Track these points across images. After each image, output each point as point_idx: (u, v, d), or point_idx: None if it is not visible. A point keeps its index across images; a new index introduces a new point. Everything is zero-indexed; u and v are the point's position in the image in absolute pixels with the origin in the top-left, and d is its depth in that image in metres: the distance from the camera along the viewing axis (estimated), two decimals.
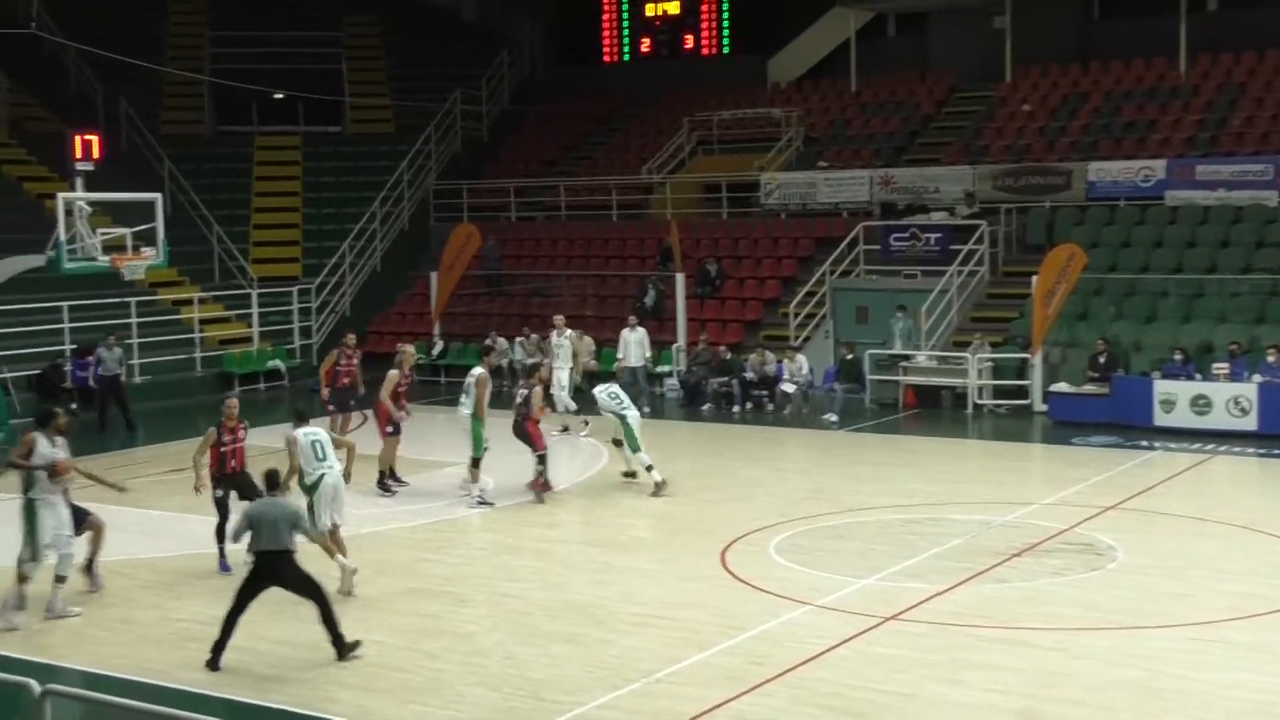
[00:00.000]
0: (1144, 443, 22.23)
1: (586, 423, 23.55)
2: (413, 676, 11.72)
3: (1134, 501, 17.99)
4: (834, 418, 25.03)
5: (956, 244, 28.69)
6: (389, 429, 19.14)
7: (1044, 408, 24.99)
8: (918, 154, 33.74)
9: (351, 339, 22.81)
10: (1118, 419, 23.41)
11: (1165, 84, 32.96)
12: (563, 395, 23.91)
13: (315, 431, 14.63)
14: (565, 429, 23.76)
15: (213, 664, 11.86)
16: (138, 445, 23.96)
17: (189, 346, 30.40)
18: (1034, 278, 25.82)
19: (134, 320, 28.97)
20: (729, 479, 20.21)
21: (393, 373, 19.24)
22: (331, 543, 14.05)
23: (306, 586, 12.03)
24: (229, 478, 15.07)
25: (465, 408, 18.46)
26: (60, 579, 13.41)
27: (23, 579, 13.29)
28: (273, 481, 12.49)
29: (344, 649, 12.02)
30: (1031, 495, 18.54)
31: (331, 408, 21.95)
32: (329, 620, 12.00)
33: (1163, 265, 27.54)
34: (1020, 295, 27.31)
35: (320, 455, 14.43)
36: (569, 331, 24.71)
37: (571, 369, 24.39)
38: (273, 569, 11.93)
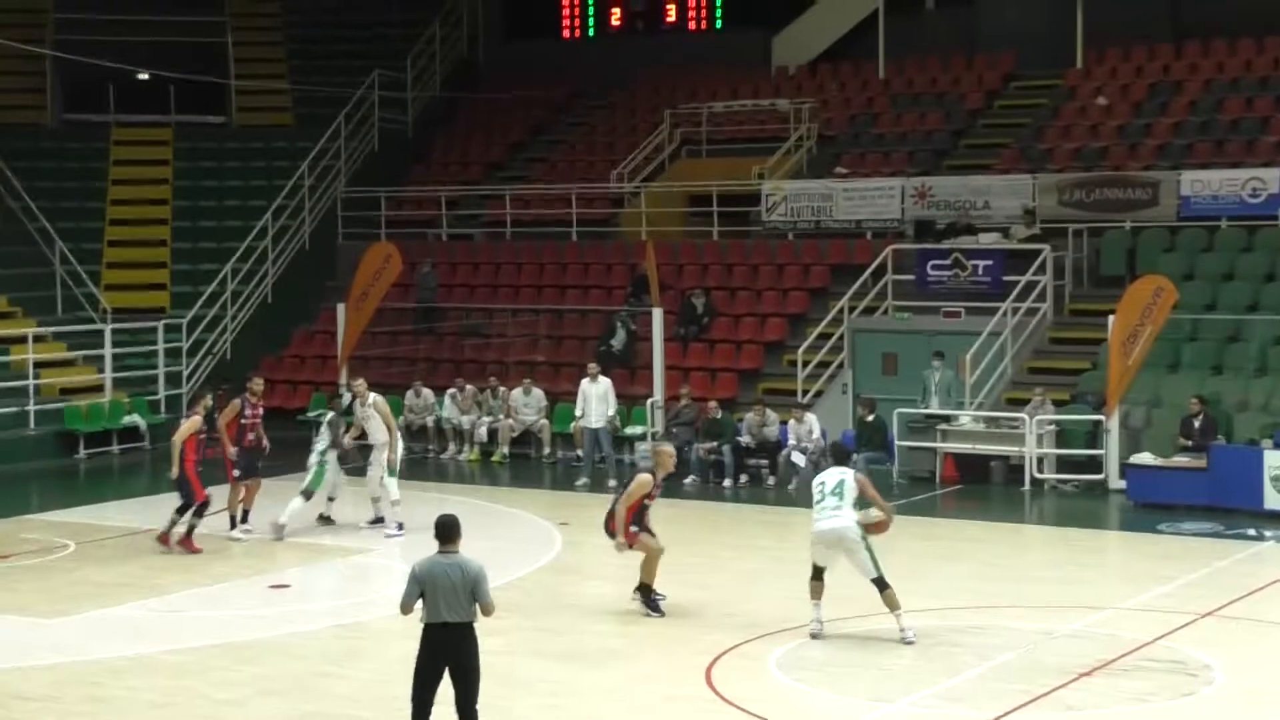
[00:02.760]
0: (1251, 531, 22.23)
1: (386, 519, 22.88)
2: None
3: (1237, 607, 17.93)
4: None
5: (1012, 274, 28.76)
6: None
7: (1122, 484, 24.99)
8: (963, 159, 33.89)
9: (259, 383, 22.96)
10: (1217, 500, 23.43)
11: (1279, 71, 33.20)
12: (379, 477, 22.78)
13: None
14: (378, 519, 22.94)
15: None
16: None
17: (20, 397, 30.29)
18: (1110, 318, 25.90)
19: None
20: (718, 573, 20.13)
21: (645, 477, 18.16)
22: None
23: (473, 675, 12.13)
24: None
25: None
26: None
27: None
28: (448, 533, 12.19)
29: None
30: (1105, 598, 18.50)
31: (237, 474, 22.00)
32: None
33: (1275, 304, 27.64)
34: (1093, 341, 27.40)
35: None
36: (374, 397, 23.15)
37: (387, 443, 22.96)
38: (451, 645, 12.00)
